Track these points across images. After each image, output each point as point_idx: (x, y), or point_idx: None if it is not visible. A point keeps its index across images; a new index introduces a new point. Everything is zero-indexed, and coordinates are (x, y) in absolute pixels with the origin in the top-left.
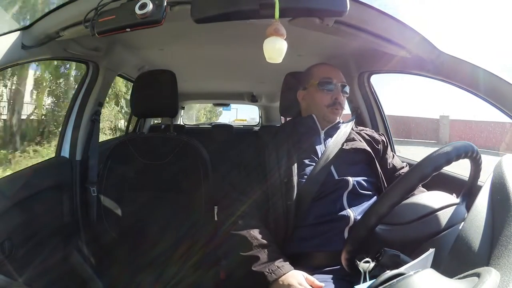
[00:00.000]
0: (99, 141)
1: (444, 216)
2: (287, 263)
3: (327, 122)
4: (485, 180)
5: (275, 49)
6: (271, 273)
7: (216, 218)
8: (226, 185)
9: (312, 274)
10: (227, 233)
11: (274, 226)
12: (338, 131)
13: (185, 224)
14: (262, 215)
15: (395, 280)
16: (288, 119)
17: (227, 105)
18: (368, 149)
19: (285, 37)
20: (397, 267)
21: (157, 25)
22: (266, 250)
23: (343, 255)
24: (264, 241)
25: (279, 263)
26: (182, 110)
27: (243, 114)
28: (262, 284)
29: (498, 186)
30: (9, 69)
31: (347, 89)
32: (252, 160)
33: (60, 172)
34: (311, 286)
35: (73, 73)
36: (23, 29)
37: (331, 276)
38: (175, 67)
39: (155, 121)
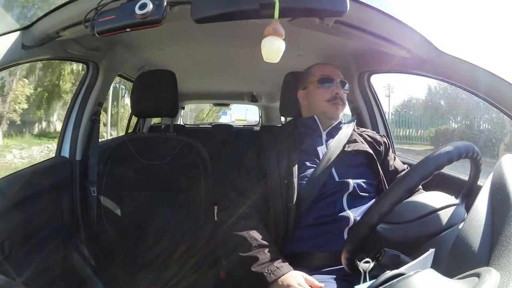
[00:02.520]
0: (99, 141)
1: (444, 216)
2: (286, 263)
3: (328, 119)
4: (485, 180)
5: (273, 49)
6: (270, 274)
7: (215, 218)
8: (226, 185)
9: (311, 274)
10: (226, 233)
11: (273, 226)
12: (340, 132)
13: (185, 224)
14: (262, 215)
15: (395, 280)
16: (288, 119)
17: (227, 105)
18: (370, 151)
19: (283, 37)
20: (397, 267)
21: (157, 25)
22: (265, 250)
23: (343, 255)
24: (264, 242)
25: (278, 263)
26: (182, 110)
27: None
28: (262, 284)
29: (498, 186)
30: None
31: (347, 86)
32: (252, 160)
33: (60, 172)
34: (310, 286)
35: None
36: (23, 29)
37: (331, 276)
38: (175, 67)
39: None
